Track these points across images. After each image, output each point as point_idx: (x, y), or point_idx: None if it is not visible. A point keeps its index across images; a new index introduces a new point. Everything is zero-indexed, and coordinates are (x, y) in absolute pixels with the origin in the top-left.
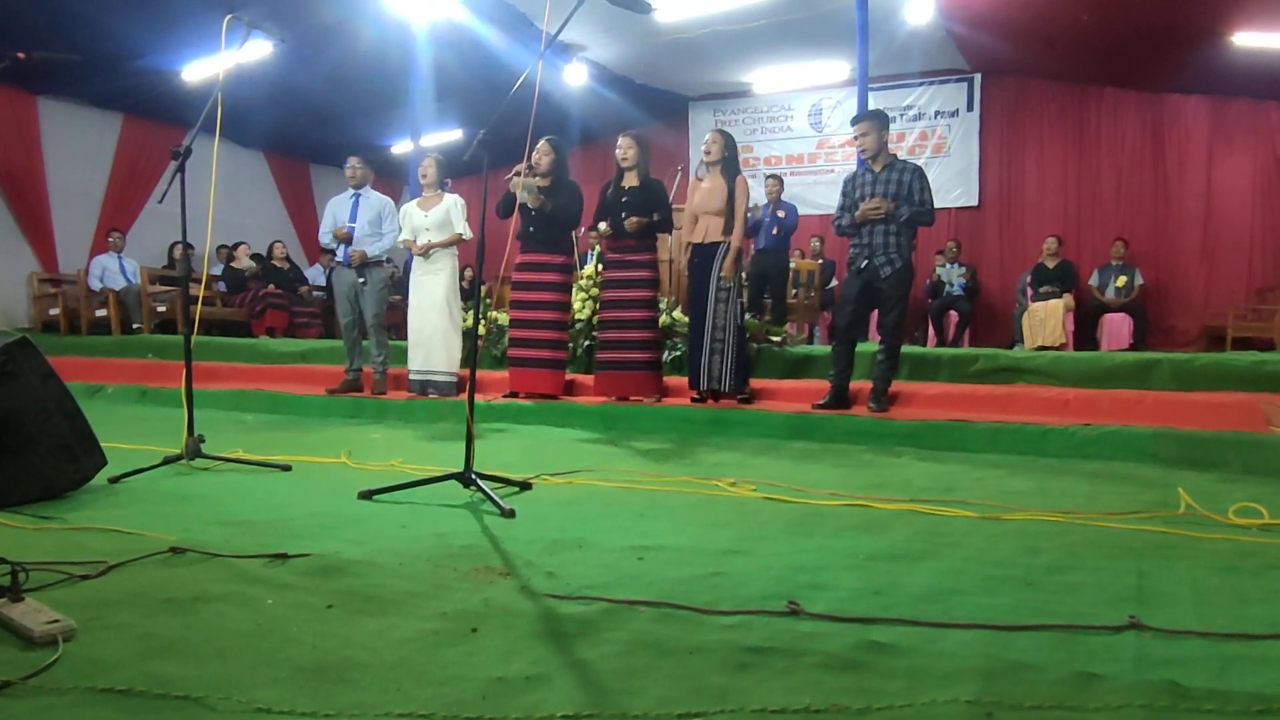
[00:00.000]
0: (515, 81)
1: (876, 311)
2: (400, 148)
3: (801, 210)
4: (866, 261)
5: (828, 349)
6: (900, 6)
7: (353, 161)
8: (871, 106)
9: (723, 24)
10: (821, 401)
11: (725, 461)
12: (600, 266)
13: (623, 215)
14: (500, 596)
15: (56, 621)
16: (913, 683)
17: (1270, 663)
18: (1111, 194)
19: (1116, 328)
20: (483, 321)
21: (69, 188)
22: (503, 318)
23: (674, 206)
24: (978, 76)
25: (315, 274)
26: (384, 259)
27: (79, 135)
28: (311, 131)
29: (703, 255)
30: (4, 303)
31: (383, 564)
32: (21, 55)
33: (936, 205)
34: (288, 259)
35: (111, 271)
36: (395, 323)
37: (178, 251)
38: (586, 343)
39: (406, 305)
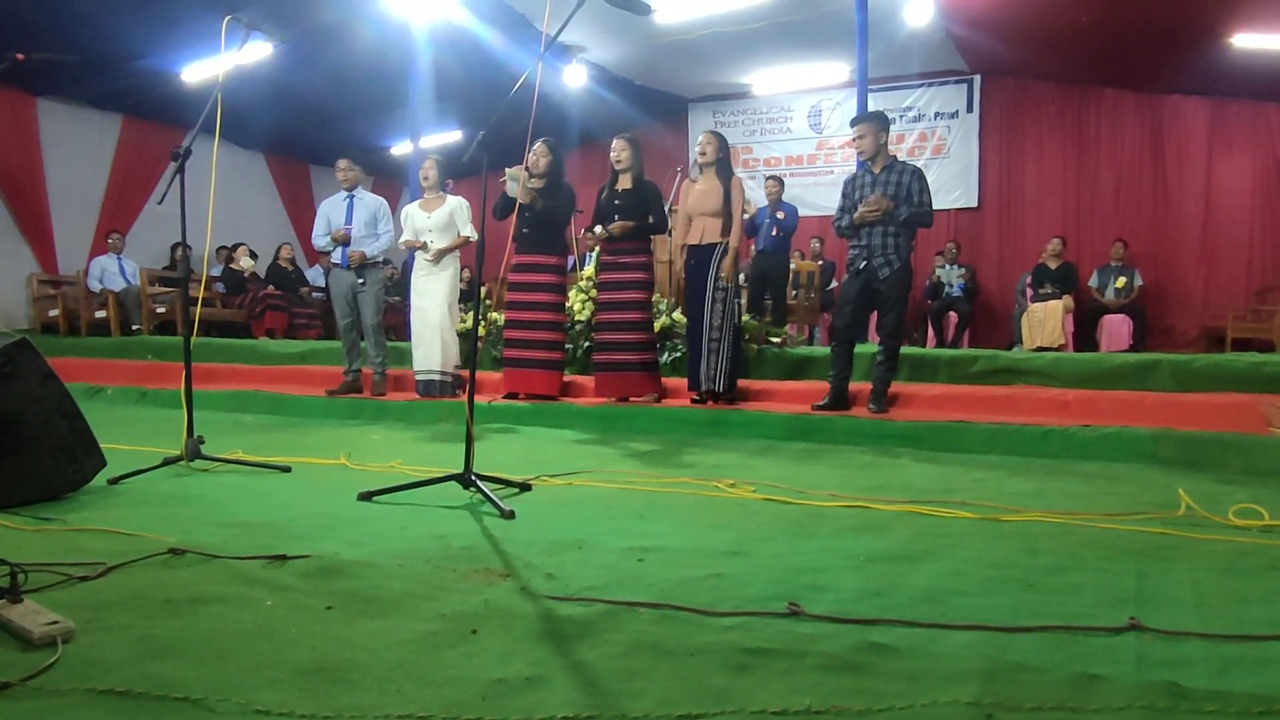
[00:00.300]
0: (515, 83)
1: (876, 313)
2: (400, 149)
3: (801, 211)
4: (865, 263)
5: (827, 350)
6: (900, 8)
7: (342, 164)
8: (871, 108)
9: (722, 25)
10: (821, 403)
11: (725, 462)
12: (597, 269)
13: (614, 218)
14: (500, 598)
15: (56, 623)
16: (913, 684)
17: (1270, 664)
18: (1111, 195)
19: (1116, 329)
20: (482, 323)
21: (68, 189)
22: (502, 319)
23: (671, 209)
24: (977, 78)
25: (316, 275)
26: (381, 260)
27: (79, 136)
28: (311, 133)
29: (699, 257)
30: (3, 304)
31: (382, 565)
32: (21, 56)
33: (936, 206)
34: (293, 261)
35: (111, 273)
36: (394, 324)
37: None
38: (586, 344)
39: (405, 306)
